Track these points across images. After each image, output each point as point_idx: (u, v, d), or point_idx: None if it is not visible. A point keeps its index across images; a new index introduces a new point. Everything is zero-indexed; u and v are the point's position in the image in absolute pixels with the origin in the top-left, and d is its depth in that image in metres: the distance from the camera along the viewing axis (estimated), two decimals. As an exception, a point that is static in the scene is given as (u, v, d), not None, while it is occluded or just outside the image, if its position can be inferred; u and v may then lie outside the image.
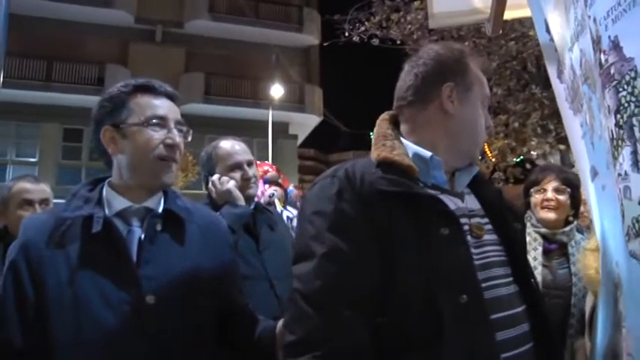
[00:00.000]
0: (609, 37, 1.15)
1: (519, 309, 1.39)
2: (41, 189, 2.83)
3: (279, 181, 4.67)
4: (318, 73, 23.21)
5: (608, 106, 1.18)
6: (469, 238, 1.37)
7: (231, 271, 1.72)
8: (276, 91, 19.65)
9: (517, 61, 8.20)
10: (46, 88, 18.23)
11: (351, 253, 1.27)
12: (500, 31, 3.14)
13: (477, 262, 1.35)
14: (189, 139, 1.63)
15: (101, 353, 1.38)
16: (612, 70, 1.15)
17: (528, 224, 2.54)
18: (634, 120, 1.07)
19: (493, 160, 9.14)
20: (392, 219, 1.30)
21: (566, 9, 1.49)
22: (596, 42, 1.22)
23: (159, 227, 1.54)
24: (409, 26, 8.61)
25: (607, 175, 1.31)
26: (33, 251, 1.43)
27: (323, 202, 1.35)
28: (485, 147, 9.32)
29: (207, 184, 2.57)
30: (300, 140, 23.59)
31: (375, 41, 8.93)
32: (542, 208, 2.53)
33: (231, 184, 2.45)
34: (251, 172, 2.57)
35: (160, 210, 1.59)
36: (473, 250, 1.36)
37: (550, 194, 2.52)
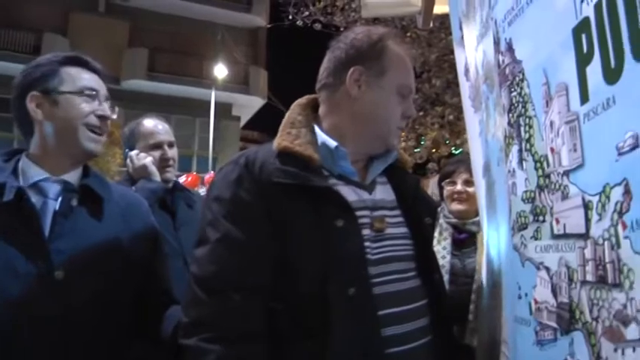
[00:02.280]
0: (505, 39, 1.20)
1: (419, 303, 1.41)
2: None
3: None
4: (264, 55, 23.01)
5: (504, 105, 1.22)
6: (367, 231, 1.38)
7: (151, 252, 1.69)
8: (220, 71, 19.42)
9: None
10: (-24, 54, 17.41)
11: (244, 241, 1.30)
12: (432, 25, 3.20)
13: (373, 257, 1.36)
14: (115, 116, 1.63)
15: (5, 327, 1.34)
16: (507, 71, 1.20)
17: (441, 215, 2.60)
18: (521, 120, 1.12)
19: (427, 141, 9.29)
20: (288, 210, 1.32)
21: (474, 9, 1.54)
22: (497, 43, 1.26)
23: (74, 202, 1.50)
24: (353, 14, 8.63)
25: (497, 172, 1.37)
26: None
27: (223, 188, 1.37)
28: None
29: (127, 159, 2.55)
30: (243, 122, 23.40)
31: (318, 26, 8.93)
32: (453, 200, 2.60)
33: (147, 160, 2.45)
34: (170, 153, 2.56)
35: (78, 185, 1.56)
36: (370, 244, 1.37)
37: (460, 187, 2.59)
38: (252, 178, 1.35)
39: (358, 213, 1.37)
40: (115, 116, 1.62)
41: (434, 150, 9.37)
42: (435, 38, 8.33)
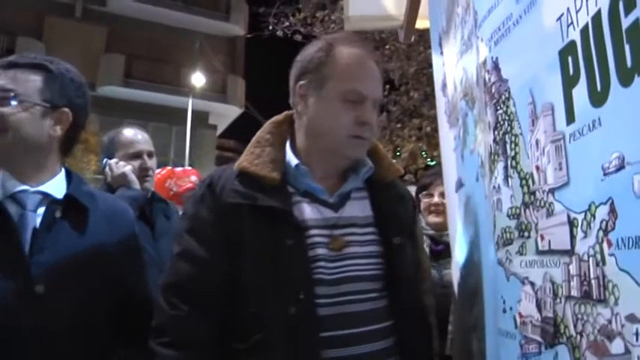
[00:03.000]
0: (492, 57, 1.23)
1: (382, 324, 1.39)
2: None
3: None
4: (242, 64, 22.99)
5: (489, 123, 1.25)
6: (323, 250, 1.37)
7: (134, 261, 1.66)
8: (198, 79, 19.38)
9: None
10: (-55, 57, 16.97)
11: (201, 256, 1.39)
12: (413, 39, 3.24)
13: (328, 277, 1.35)
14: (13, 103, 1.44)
15: None
16: (493, 89, 1.23)
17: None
18: (507, 137, 1.15)
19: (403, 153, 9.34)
20: (244, 229, 1.36)
21: (455, 27, 1.57)
22: (483, 61, 1.29)
23: (58, 214, 1.46)
24: (333, 25, 8.67)
25: (475, 187, 1.40)
26: None
27: (189, 205, 1.49)
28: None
29: (105, 168, 2.54)
30: (219, 131, 23.32)
31: (298, 37, 8.96)
32: (430, 212, 2.63)
33: (127, 168, 2.44)
34: (150, 163, 2.56)
35: (62, 195, 1.50)
36: (325, 264, 1.36)
37: (436, 199, 2.62)
38: (213, 198, 1.41)
39: (314, 232, 1.38)
40: (10, 104, 1.44)
41: (411, 162, 9.43)
42: (414, 51, 8.39)
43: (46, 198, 1.47)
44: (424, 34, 3.69)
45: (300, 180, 1.42)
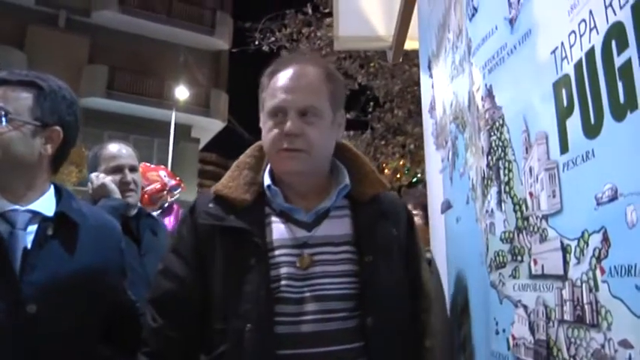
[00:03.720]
0: (486, 85, 1.27)
1: (349, 345, 1.35)
2: None
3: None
4: (226, 79, 23.03)
5: (482, 148, 1.29)
6: (290, 269, 1.38)
7: (122, 276, 1.67)
8: (181, 92, 19.36)
9: (418, 87, 8.36)
10: None
11: (180, 274, 1.47)
12: (401, 59, 3.30)
13: (293, 295, 1.36)
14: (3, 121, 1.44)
15: None
16: (487, 116, 1.26)
17: None
18: (500, 163, 1.18)
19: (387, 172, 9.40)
20: (217, 249, 1.43)
21: (445, 52, 1.61)
22: (477, 88, 1.33)
23: (50, 231, 1.44)
24: (319, 42, 8.73)
25: (464, 210, 1.42)
26: None
27: (177, 225, 1.60)
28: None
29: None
30: (202, 144, 23.28)
31: (284, 53, 8.98)
32: None
33: (107, 179, 2.45)
34: (130, 176, 2.56)
35: (53, 212, 1.49)
36: (292, 282, 1.37)
37: None
38: (192, 220, 1.50)
39: (280, 251, 1.40)
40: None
41: (395, 179, 9.48)
42: (399, 70, 8.44)
43: (37, 216, 1.46)
44: (409, 53, 3.76)
45: (273, 200, 1.46)
